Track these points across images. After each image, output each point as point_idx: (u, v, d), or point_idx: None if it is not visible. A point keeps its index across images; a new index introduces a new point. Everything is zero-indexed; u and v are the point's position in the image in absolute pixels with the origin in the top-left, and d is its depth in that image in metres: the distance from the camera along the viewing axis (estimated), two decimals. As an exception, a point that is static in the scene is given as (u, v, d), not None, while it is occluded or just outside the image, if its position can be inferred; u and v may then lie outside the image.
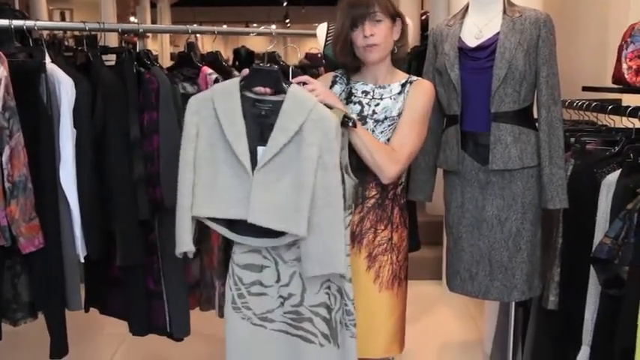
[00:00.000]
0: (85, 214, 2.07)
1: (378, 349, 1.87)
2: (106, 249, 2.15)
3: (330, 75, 1.97)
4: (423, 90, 1.85)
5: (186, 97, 1.82)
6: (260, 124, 1.63)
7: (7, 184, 1.91)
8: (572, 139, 2.17)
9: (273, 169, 1.60)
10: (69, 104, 2.02)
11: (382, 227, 1.85)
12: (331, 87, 1.91)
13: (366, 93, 1.87)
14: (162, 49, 12.53)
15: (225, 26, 3.39)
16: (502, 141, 1.98)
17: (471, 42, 2.03)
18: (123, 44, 2.71)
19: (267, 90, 1.64)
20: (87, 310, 2.37)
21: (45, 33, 2.73)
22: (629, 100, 2.31)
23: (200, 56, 2.57)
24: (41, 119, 1.99)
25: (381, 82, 1.87)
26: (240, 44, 3.22)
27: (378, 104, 1.84)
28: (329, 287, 1.71)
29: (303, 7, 15.59)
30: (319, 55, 2.93)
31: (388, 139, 1.80)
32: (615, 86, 2.23)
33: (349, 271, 1.70)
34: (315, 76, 2.18)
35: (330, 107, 1.65)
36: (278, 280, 1.73)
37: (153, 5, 12.93)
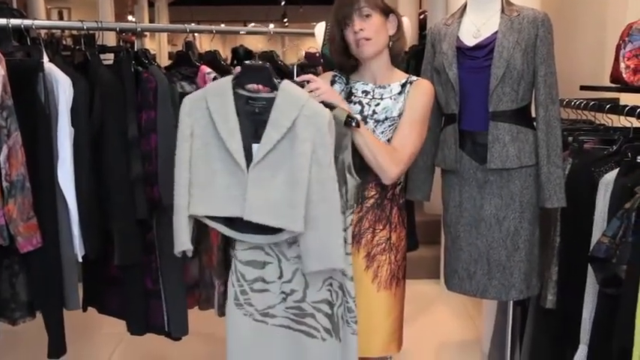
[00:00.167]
0: (82, 213, 2.07)
1: (376, 348, 1.87)
2: (104, 248, 2.15)
3: (329, 74, 1.97)
4: (423, 90, 1.85)
5: (185, 96, 1.82)
6: (254, 121, 1.63)
7: (4, 184, 1.91)
8: (570, 138, 2.17)
9: (268, 166, 1.60)
10: (67, 103, 2.02)
11: (381, 227, 1.85)
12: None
13: (366, 93, 1.87)
14: (160, 48, 12.50)
15: (223, 25, 3.38)
16: (500, 140, 1.98)
17: (469, 41, 2.03)
18: (121, 43, 2.70)
19: (260, 87, 1.64)
20: (85, 310, 2.36)
21: (43, 32, 2.72)
22: (627, 99, 2.32)
23: (198, 55, 2.56)
24: (39, 118, 1.99)
25: (380, 81, 1.87)
26: (238, 43, 3.22)
27: (378, 104, 1.84)
28: (331, 284, 1.71)
29: (301, 7, 15.58)
30: (317, 55, 2.93)
31: (389, 140, 1.81)
32: (613, 85, 2.23)
33: (351, 269, 1.71)
34: (314, 75, 2.18)
35: (333, 107, 1.65)
36: (280, 277, 1.73)
37: (151, 4, 12.91)
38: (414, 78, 1.88)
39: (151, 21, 13.00)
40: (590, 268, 1.84)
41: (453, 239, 2.13)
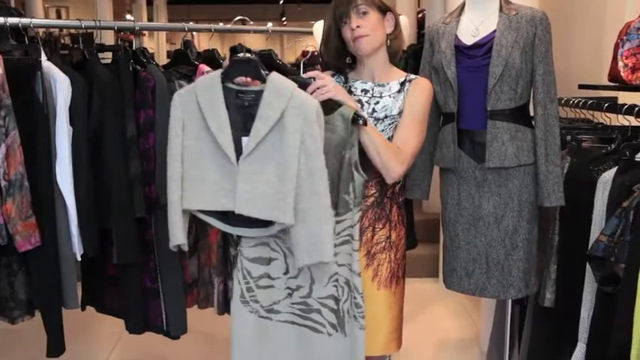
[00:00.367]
0: (81, 211, 2.06)
1: (376, 347, 1.87)
2: (102, 247, 2.15)
3: (328, 73, 1.97)
4: (422, 89, 1.85)
5: (183, 95, 1.82)
6: (244, 114, 1.62)
7: (3, 183, 1.91)
8: (569, 137, 2.17)
9: (257, 159, 1.59)
10: (65, 102, 2.02)
11: (380, 225, 1.86)
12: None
13: (365, 91, 1.87)
14: (158, 46, 12.48)
15: (221, 24, 3.38)
16: (498, 139, 1.98)
17: (468, 40, 2.03)
18: (119, 42, 2.70)
19: (249, 80, 1.64)
20: (83, 309, 2.36)
21: (41, 31, 2.72)
22: (625, 97, 2.32)
23: (197, 54, 2.56)
24: (37, 117, 1.99)
25: (379, 79, 1.87)
26: (236, 42, 3.21)
27: (377, 102, 1.85)
28: (337, 280, 1.72)
29: (299, 5, 15.56)
30: (315, 53, 2.93)
31: (389, 139, 1.81)
32: (611, 84, 2.23)
33: (358, 265, 1.71)
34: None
35: (340, 104, 1.65)
36: (286, 272, 1.73)
37: (149, 3, 12.88)
38: (413, 76, 1.88)
39: (150, 20, 12.97)
40: (588, 266, 1.84)
41: (451, 238, 2.13)
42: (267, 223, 1.63)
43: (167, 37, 13.66)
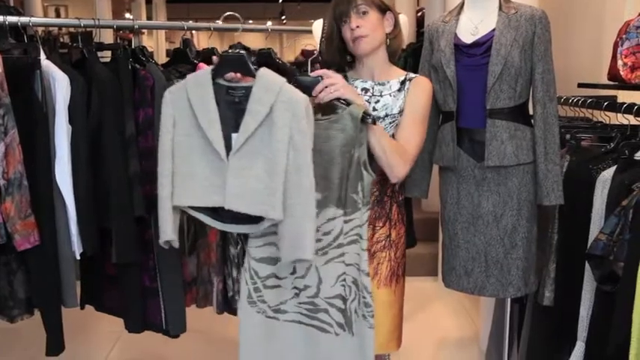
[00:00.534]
0: (80, 210, 2.06)
1: (376, 346, 1.86)
2: (101, 246, 2.15)
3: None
4: (422, 88, 1.85)
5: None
6: (234, 110, 1.62)
7: (2, 181, 1.91)
8: (568, 136, 2.17)
9: (247, 154, 1.59)
10: (64, 101, 2.02)
11: (380, 224, 1.86)
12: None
13: (365, 90, 1.87)
14: (157, 45, 12.47)
15: (220, 22, 3.37)
16: (498, 137, 1.98)
17: (467, 38, 2.03)
18: (118, 41, 2.70)
19: (238, 76, 1.64)
20: (82, 308, 2.36)
21: (40, 29, 2.71)
22: (625, 96, 2.32)
23: (196, 52, 2.56)
24: (36, 116, 1.99)
25: (379, 78, 1.87)
26: (236, 41, 3.21)
27: (378, 101, 1.85)
28: (344, 279, 1.72)
29: (299, 4, 15.55)
30: (314, 52, 2.93)
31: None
32: (611, 83, 2.23)
33: (367, 264, 1.71)
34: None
35: (349, 103, 1.65)
36: (293, 272, 1.73)
37: (148, 1, 12.85)
38: (413, 75, 1.89)
39: (149, 18, 12.95)
40: (587, 265, 1.85)
41: (450, 236, 2.13)
42: (257, 220, 1.62)
43: (166, 35, 13.64)
